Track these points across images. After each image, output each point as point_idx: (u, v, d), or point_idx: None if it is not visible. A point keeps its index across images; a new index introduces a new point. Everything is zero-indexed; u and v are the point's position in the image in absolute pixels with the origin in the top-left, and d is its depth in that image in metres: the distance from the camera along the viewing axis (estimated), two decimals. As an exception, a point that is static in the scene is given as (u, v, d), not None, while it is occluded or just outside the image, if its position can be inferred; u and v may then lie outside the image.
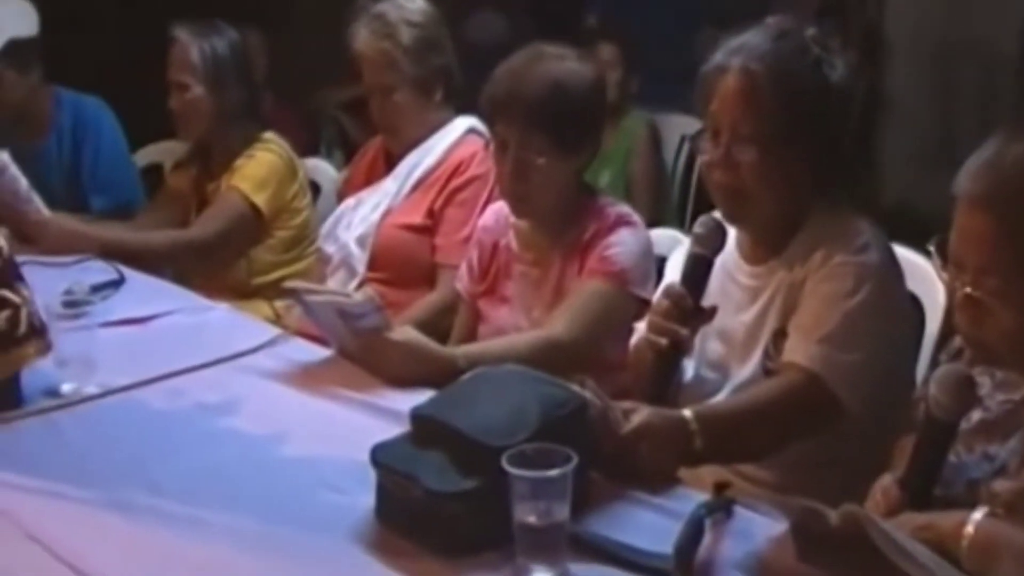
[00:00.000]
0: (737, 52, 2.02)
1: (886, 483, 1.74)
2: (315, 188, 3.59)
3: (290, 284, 2.44)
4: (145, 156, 3.95)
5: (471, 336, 2.64)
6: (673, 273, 2.27)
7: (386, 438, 1.75)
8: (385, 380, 2.20)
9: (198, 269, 3.37)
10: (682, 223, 3.99)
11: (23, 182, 3.13)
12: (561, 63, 2.45)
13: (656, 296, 2.14)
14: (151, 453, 1.94)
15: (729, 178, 2.03)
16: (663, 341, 2.03)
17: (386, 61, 2.94)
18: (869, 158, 5.15)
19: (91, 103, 3.60)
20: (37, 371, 2.15)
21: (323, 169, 3.67)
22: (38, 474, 1.85)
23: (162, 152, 3.88)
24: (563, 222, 2.50)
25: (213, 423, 2.06)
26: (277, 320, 3.16)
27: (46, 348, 2.13)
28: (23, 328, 2.09)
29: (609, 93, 4.28)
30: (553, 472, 1.52)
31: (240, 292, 3.30)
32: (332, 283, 3.02)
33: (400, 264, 2.95)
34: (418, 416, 1.72)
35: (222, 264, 3.31)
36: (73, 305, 2.35)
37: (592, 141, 2.51)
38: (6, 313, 2.07)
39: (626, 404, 1.84)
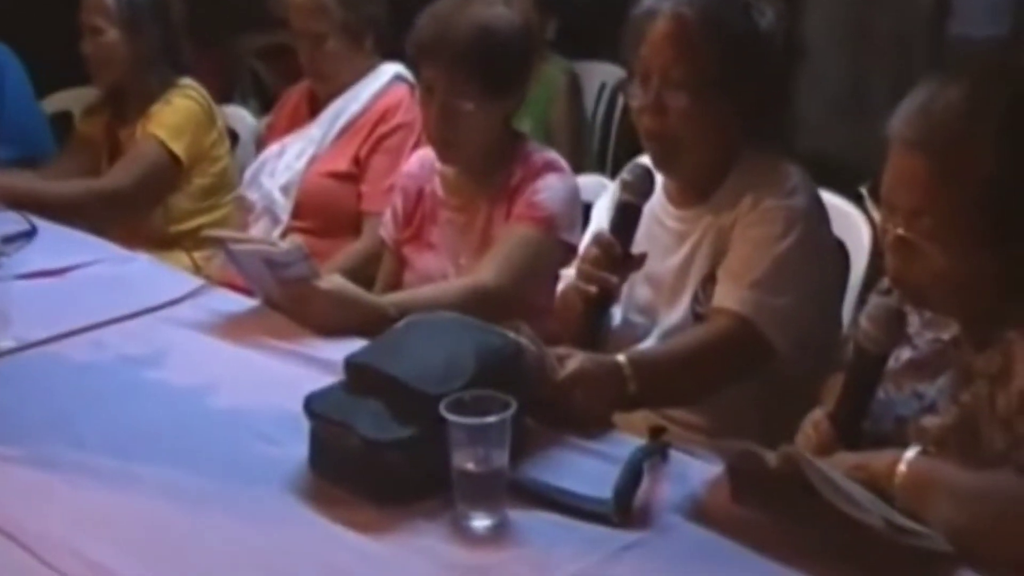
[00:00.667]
0: None
1: (816, 417, 1.75)
2: (233, 136, 3.52)
3: (213, 233, 2.39)
4: (54, 103, 3.84)
5: (396, 284, 2.61)
6: (600, 219, 2.26)
7: (318, 387, 1.72)
8: (314, 329, 2.17)
9: (114, 218, 3.29)
10: (603, 171, 3.98)
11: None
12: (488, 8, 2.42)
13: (584, 243, 2.13)
14: (74, 407, 1.88)
15: (659, 124, 2.02)
16: (592, 289, 2.02)
17: (317, 8, 2.89)
18: (785, 108, 5.18)
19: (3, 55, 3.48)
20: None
21: (241, 116, 3.59)
22: (-45, 431, 1.80)
23: (72, 99, 3.77)
24: (490, 168, 2.48)
25: (138, 375, 2.01)
26: (197, 271, 3.11)
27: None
28: (-66, 283, 2.02)
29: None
30: (491, 419, 1.51)
31: (158, 241, 3.23)
32: (255, 231, 2.98)
33: (325, 212, 2.91)
34: (353, 364, 1.70)
35: (139, 213, 3.24)
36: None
37: (520, 86, 2.48)
38: (-84, 267, 2.00)
39: (560, 350, 1.83)
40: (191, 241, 3.25)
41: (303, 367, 2.01)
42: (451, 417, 1.51)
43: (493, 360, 1.66)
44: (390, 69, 2.95)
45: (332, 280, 2.21)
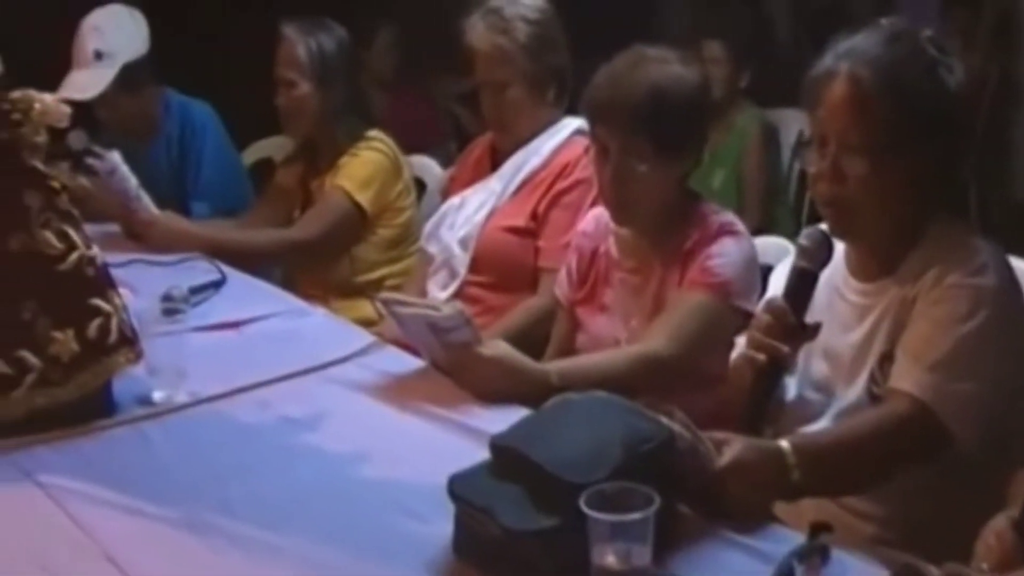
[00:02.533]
0: (845, 56, 1.88)
1: (1000, 525, 1.59)
2: (420, 185, 3.53)
3: (381, 296, 2.37)
4: (257, 151, 3.94)
5: (569, 344, 2.55)
6: (778, 285, 2.14)
7: (467, 465, 1.66)
8: (476, 395, 2.12)
9: (302, 268, 3.35)
10: (798, 225, 3.83)
11: (132, 181, 3.13)
12: (663, 67, 2.33)
13: (757, 310, 2.01)
14: (231, 470, 1.89)
15: (836, 191, 1.89)
16: (762, 357, 1.91)
17: (500, 56, 2.85)
18: (1001, 153, 4.91)
19: (198, 109, 3.58)
20: (130, 378, 2.12)
21: (428, 166, 3.60)
22: (122, 489, 1.82)
23: (274, 147, 3.85)
24: (665, 229, 2.39)
25: (296, 439, 2.00)
26: (379, 319, 3.12)
27: (137, 356, 2.10)
28: (114, 337, 2.06)
29: (716, 90, 4.17)
30: (633, 516, 1.42)
31: (343, 290, 3.27)
32: (432, 284, 2.96)
33: (502, 267, 2.86)
34: (498, 446, 1.64)
35: (325, 263, 3.27)
36: (171, 312, 2.32)
37: (695, 147, 2.39)
38: (97, 322, 2.05)
39: (718, 435, 1.72)
40: (376, 290, 3.24)
41: (460, 437, 1.97)
42: (591, 512, 1.43)
43: (642, 448, 1.58)
44: (571, 123, 2.89)
45: (495, 346, 2.16)
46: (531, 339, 2.65)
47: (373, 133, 3.29)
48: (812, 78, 1.93)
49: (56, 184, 2.05)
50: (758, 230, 3.89)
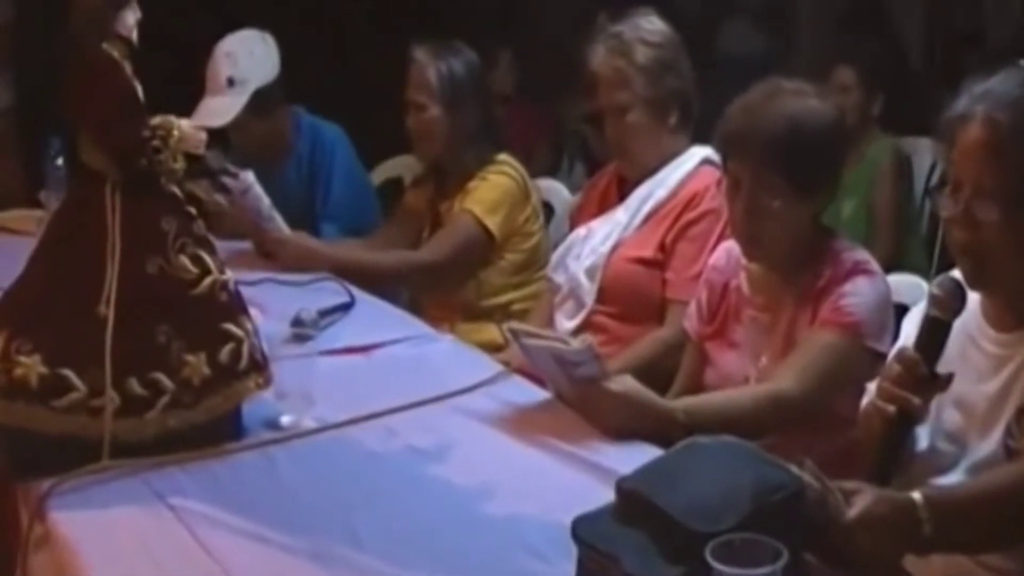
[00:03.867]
0: (982, 99, 1.82)
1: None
2: (549, 209, 3.53)
3: (510, 326, 2.37)
4: (387, 170, 3.98)
5: (697, 378, 2.52)
6: (910, 329, 2.09)
7: (591, 504, 1.65)
8: (602, 430, 2.11)
9: (428, 290, 3.37)
10: (930, 257, 3.74)
11: (265, 201, 3.18)
12: (799, 100, 2.30)
13: (888, 360, 1.96)
14: (357, 499, 1.90)
15: (969, 237, 1.84)
16: (891, 409, 1.86)
17: (620, 80, 2.84)
18: None
19: (329, 131, 3.63)
20: (259, 402, 2.15)
21: (557, 190, 3.60)
22: (249, 514, 1.84)
23: (404, 166, 3.90)
24: (797, 266, 2.35)
25: (422, 470, 2.01)
26: (505, 344, 3.12)
27: (267, 382, 2.13)
28: (244, 362, 2.09)
29: (848, 118, 4.08)
30: (761, 571, 1.40)
31: (469, 314, 3.29)
32: (560, 314, 2.96)
33: (629, 298, 2.85)
34: (624, 490, 1.62)
35: (452, 286, 3.29)
36: (301, 337, 2.36)
37: (830, 183, 2.36)
38: (229, 347, 2.08)
39: (849, 485, 1.68)
40: (502, 315, 3.26)
41: (585, 474, 1.96)
42: (716, 565, 1.41)
43: (772, 498, 1.54)
44: (698, 152, 2.86)
45: (622, 381, 2.15)
46: (658, 371, 2.64)
47: (502, 157, 3.30)
48: (947, 120, 1.88)
49: (193, 210, 2.10)
50: (889, 261, 3.82)
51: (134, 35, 2.06)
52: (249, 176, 3.14)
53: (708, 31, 6.16)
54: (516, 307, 3.27)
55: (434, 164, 3.42)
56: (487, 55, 5.24)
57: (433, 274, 3.28)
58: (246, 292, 2.89)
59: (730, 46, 6.10)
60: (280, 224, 3.20)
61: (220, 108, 3.36)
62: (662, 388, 2.57)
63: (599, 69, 2.87)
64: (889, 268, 3.73)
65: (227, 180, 3.12)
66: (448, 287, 3.30)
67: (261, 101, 3.43)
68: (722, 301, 2.50)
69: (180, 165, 2.07)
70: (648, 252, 2.82)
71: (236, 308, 2.12)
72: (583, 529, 1.59)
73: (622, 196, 2.95)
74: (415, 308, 3.50)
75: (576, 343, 2.15)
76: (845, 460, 2.01)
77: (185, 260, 2.07)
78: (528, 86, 5.22)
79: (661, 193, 2.86)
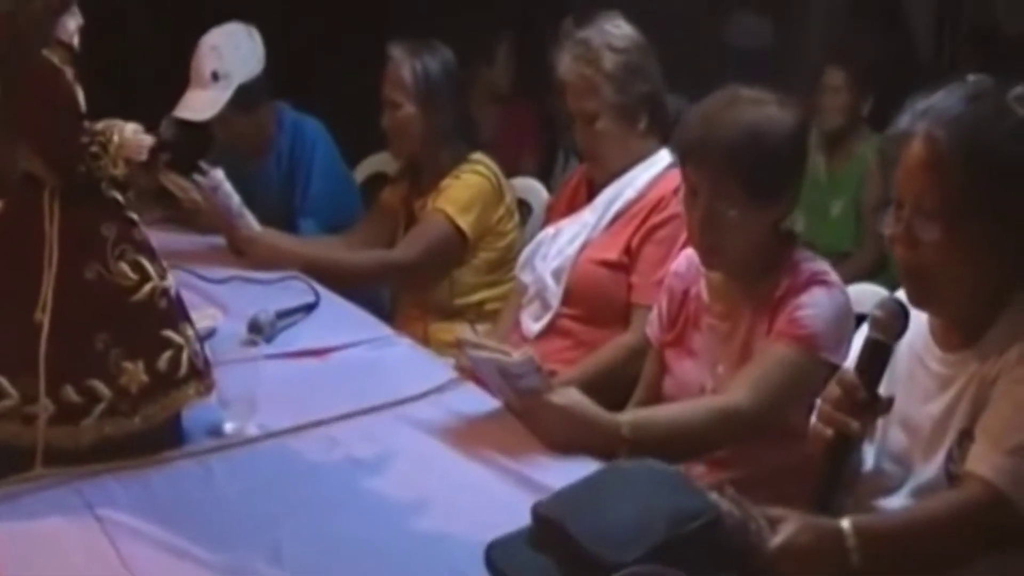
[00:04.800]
0: (923, 116, 1.78)
1: None
2: (527, 207, 3.50)
3: (459, 337, 2.35)
4: (369, 166, 3.96)
5: (657, 386, 2.49)
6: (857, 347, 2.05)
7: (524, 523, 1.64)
8: (544, 443, 2.08)
9: (402, 289, 3.35)
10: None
11: (235, 199, 3.16)
12: (758, 108, 2.26)
13: (829, 383, 1.92)
14: (285, 513, 1.87)
15: (911, 256, 1.80)
16: (829, 432, 1.83)
17: (588, 87, 2.80)
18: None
19: (310, 126, 3.60)
20: (204, 408, 2.13)
21: (534, 189, 3.56)
22: (176, 528, 1.81)
23: (385, 162, 3.86)
24: (756, 275, 2.31)
25: (359, 482, 1.98)
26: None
27: (207, 389, 2.11)
28: (184, 369, 2.07)
29: (835, 119, 4.02)
30: (662, 604, 1.37)
31: (443, 312, 3.27)
32: (526, 315, 2.93)
33: (594, 301, 2.81)
34: (538, 514, 1.59)
35: (425, 285, 3.27)
36: (251, 343, 2.34)
37: (790, 192, 2.31)
38: (168, 354, 2.05)
39: (775, 512, 1.65)
40: (475, 314, 3.26)
41: (523, 490, 1.92)
42: (617, 597, 1.38)
43: (686, 527, 1.52)
44: (667, 155, 2.82)
45: (566, 394, 2.12)
46: (621, 377, 2.62)
47: (476, 156, 3.27)
48: (890, 137, 1.84)
49: (133, 215, 2.07)
50: (878, 261, 3.77)
51: (75, 40, 2.04)
52: (218, 174, 3.12)
53: (715, 23, 6.11)
54: (489, 306, 3.24)
55: (409, 162, 3.40)
56: (484, 50, 5.23)
57: (406, 273, 3.26)
58: (211, 289, 2.92)
59: (738, 38, 6.05)
60: (251, 221, 3.18)
61: (204, 102, 3.35)
62: (625, 394, 2.55)
63: (566, 76, 2.83)
64: (878, 268, 3.70)
65: (198, 178, 3.13)
66: (422, 286, 3.28)
67: (245, 96, 3.41)
68: (682, 308, 2.47)
69: (120, 171, 2.05)
70: (614, 254, 2.79)
71: (176, 315, 2.09)
72: (496, 553, 1.57)
73: (591, 196, 2.92)
74: (395, 305, 3.49)
75: (518, 355, 2.12)
76: (799, 474, 1.98)
77: (124, 267, 2.04)
78: (525, 81, 5.18)
79: (629, 194, 2.82)
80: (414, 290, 3.32)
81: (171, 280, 2.11)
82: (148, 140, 2.08)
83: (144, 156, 2.08)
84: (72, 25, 2.03)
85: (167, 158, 2.81)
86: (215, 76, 3.37)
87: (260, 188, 3.45)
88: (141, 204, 2.19)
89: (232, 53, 3.41)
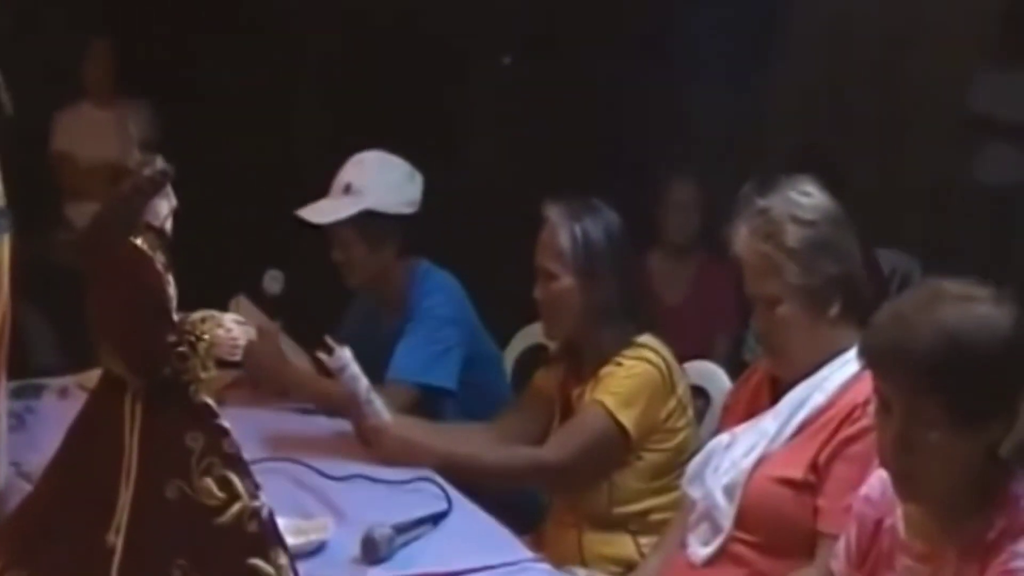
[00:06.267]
0: None
1: None
2: (703, 395, 3.46)
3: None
4: (527, 337, 3.97)
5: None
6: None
7: None
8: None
9: (552, 492, 3.34)
10: None
11: (363, 382, 3.21)
12: (964, 307, 2.17)
13: None
14: None
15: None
16: None
17: (768, 267, 2.75)
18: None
19: (440, 275, 3.70)
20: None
21: (715, 376, 3.51)
22: None
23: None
24: (963, 511, 2.21)
25: None
26: (641, 559, 3.06)
27: (302, 624, 2.12)
28: (276, 605, 2.08)
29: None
30: None
31: (600, 522, 3.24)
32: (693, 537, 2.86)
33: (773, 525, 2.73)
34: None
35: (580, 489, 3.24)
36: (365, 562, 2.36)
37: (1006, 412, 2.20)
38: (256, 586, 2.08)
39: None
40: (638, 524, 3.21)
41: None
42: None
43: None
44: (863, 352, 2.74)
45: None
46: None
47: (644, 339, 3.24)
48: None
49: (224, 423, 2.11)
50: None
51: (168, 225, 2.12)
52: (346, 354, 3.17)
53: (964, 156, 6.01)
54: (655, 517, 3.20)
55: (566, 343, 3.39)
56: (660, 190, 5.22)
57: (558, 475, 3.23)
58: (329, 488, 2.96)
59: (988, 175, 5.95)
60: (379, 408, 3.21)
61: (327, 208, 3.58)
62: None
63: (743, 253, 2.79)
64: None
65: (322, 356, 3.20)
66: (576, 490, 3.25)
67: (372, 226, 3.56)
68: (874, 542, 2.37)
69: (211, 374, 2.10)
70: (798, 472, 2.70)
71: (268, 540, 2.12)
72: None
73: (774, 398, 2.85)
74: (548, 507, 3.47)
75: None
76: None
77: (210, 483, 2.09)
78: (713, 233, 5.15)
79: (818, 399, 2.74)
80: (568, 493, 3.29)
81: (264, 499, 2.13)
82: (242, 338, 2.13)
83: (238, 357, 2.13)
84: (165, 208, 2.12)
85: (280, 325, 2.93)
86: (347, 188, 3.58)
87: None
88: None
89: (374, 173, 3.60)
